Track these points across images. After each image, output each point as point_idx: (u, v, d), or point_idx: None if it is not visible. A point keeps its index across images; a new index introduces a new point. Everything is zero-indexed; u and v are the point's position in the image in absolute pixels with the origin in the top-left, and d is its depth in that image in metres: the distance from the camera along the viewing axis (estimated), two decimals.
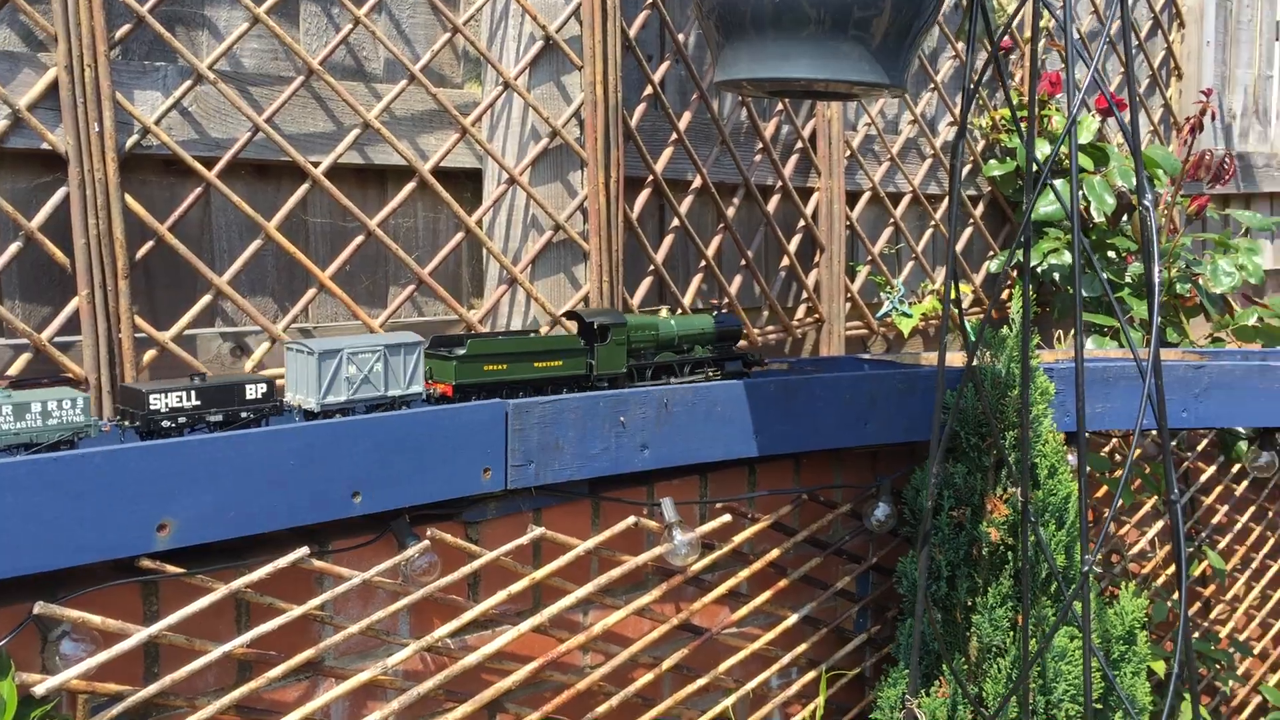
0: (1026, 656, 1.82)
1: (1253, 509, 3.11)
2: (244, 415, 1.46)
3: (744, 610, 1.99)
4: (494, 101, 1.91)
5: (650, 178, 2.12)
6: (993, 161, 2.83)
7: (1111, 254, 2.74)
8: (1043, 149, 2.74)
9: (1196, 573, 2.93)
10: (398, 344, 1.58)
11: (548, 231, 1.95)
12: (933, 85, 2.72)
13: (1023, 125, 2.82)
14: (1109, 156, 2.86)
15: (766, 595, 2.02)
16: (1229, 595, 3.07)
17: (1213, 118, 3.56)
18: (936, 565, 2.09)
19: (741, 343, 2.05)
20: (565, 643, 1.74)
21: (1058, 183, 2.73)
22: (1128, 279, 2.70)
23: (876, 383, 2.02)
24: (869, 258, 2.63)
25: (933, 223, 2.75)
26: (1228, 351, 2.42)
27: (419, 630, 1.65)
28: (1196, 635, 2.94)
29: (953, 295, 1.71)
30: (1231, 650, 2.88)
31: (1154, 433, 2.95)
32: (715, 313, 1.98)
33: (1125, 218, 2.69)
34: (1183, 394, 2.24)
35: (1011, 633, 1.99)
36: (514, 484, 1.66)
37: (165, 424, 1.39)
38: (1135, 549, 2.82)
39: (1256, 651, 3.18)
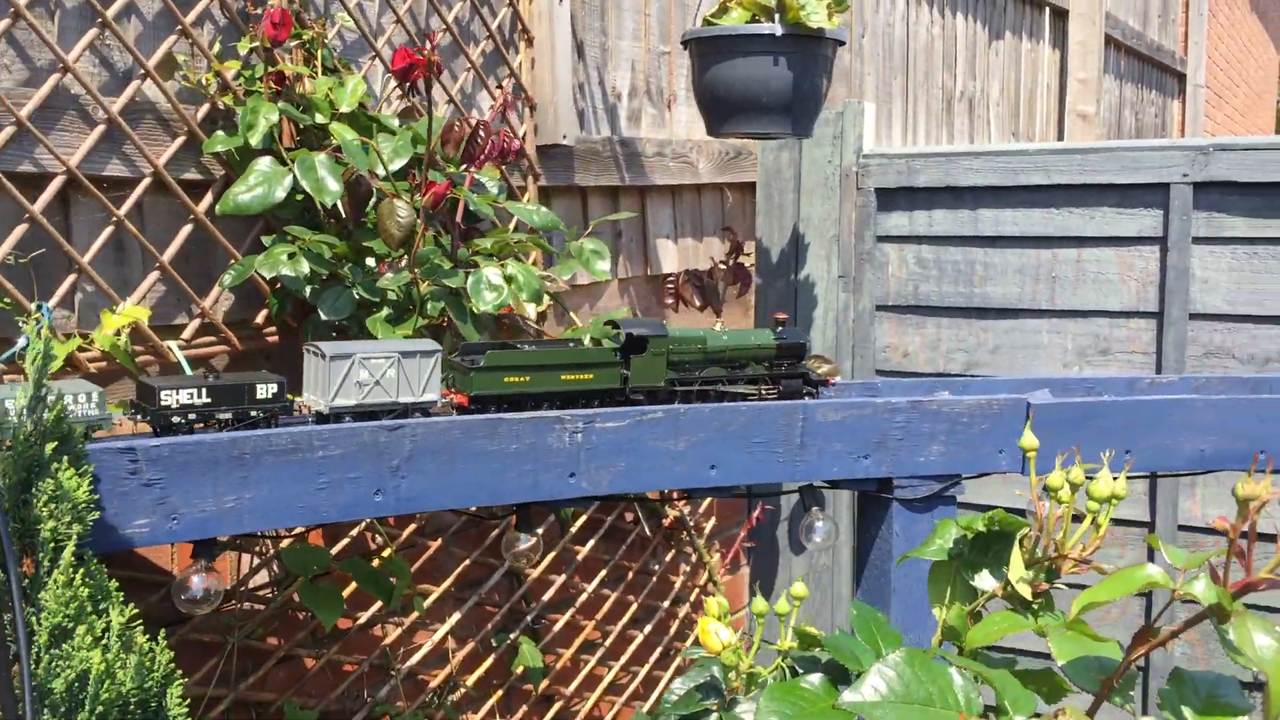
0: None
1: (605, 572, 2.54)
2: (254, 414, 1.44)
3: None
4: None
5: None
6: (220, 134, 2.01)
7: (371, 261, 2.02)
8: (270, 116, 1.95)
9: (520, 670, 2.29)
10: (413, 350, 1.57)
11: None
12: (102, 22, 1.86)
13: (263, 86, 2.03)
14: (387, 128, 2.14)
15: None
16: (573, 685, 2.48)
17: (581, 92, 3.00)
18: None
19: (812, 362, 1.90)
20: None
21: (264, 161, 1.95)
22: (391, 295, 1.98)
23: None
24: None
25: (114, 217, 1.90)
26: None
27: None
28: None
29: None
30: None
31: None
32: (778, 328, 1.86)
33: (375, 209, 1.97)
34: (376, 469, 1.52)
35: None
36: None
37: (175, 420, 1.38)
38: (422, 653, 2.12)
39: None
